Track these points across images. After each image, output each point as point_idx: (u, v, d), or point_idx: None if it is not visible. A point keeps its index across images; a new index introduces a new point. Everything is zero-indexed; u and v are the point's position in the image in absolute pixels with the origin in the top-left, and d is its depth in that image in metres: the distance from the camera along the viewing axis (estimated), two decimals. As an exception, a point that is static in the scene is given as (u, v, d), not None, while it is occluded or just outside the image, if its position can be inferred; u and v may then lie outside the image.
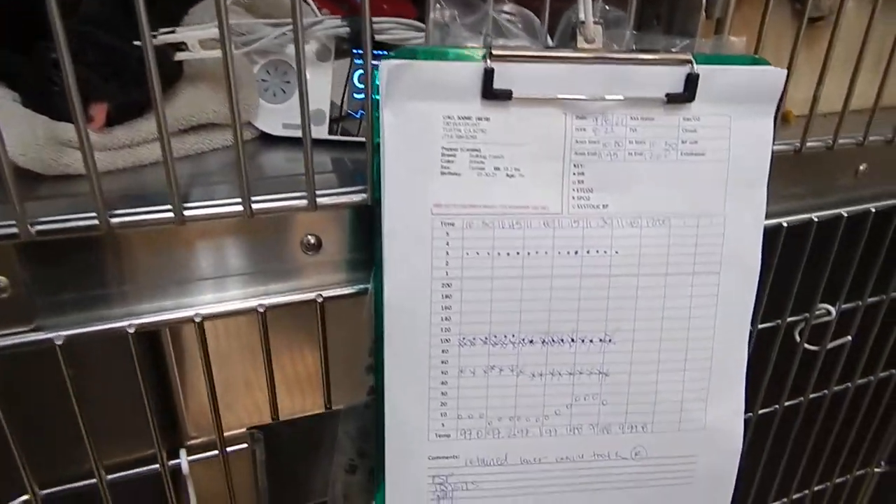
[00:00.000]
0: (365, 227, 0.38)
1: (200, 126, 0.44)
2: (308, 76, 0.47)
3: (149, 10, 0.36)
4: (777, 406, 0.57)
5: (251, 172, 0.45)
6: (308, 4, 0.51)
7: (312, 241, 0.37)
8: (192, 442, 0.41)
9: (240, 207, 0.34)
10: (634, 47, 0.36)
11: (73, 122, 0.31)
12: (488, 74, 0.33)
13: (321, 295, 0.38)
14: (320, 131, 0.47)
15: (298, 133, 0.47)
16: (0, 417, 0.33)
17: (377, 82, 0.33)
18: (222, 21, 0.31)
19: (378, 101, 0.33)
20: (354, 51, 0.47)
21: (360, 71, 0.47)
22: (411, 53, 0.33)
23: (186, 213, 0.33)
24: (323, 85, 0.47)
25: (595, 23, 0.34)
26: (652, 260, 0.36)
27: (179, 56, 0.41)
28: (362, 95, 0.47)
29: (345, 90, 0.47)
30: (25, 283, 0.32)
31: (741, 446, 0.41)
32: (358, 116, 0.47)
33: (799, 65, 0.41)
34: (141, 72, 0.40)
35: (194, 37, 0.40)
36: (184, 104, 0.42)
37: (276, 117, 0.47)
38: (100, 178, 0.31)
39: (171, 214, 0.32)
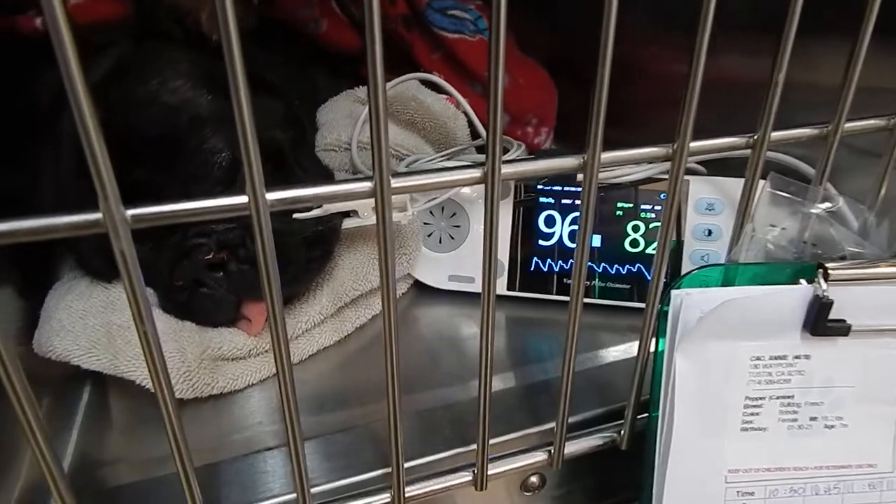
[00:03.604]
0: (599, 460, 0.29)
1: (360, 296, 0.35)
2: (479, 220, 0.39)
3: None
4: None
5: (407, 330, 0.36)
6: (467, 115, 0.42)
7: (536, 481, 0.29)
8: None
9: (469, 477, 0.25)
10: None
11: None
12: (823, 306, 0.24)
13: (546, 550, 0.29)
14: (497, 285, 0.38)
15: (468, 287, 0.39)
16: None
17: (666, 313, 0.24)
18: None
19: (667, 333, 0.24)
20: (537, 187, 0.37)
21: (547, 212, 0.38)
22: (715, 272, 0.24)
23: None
24: (500, 229, 0.38)
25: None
26: None
27: (347, 224, 0.32)
28: (549, 242, 0.38)
29: (519, 234, 0.37)
30: None
31: None
32: (546, 270, 0.38)
33: None
34: (303, 255, 0.31)
35: (367, 203, 0.31)
36: (347, 275, 0.34)
37: (442, 268, 0.39)
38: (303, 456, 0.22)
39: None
